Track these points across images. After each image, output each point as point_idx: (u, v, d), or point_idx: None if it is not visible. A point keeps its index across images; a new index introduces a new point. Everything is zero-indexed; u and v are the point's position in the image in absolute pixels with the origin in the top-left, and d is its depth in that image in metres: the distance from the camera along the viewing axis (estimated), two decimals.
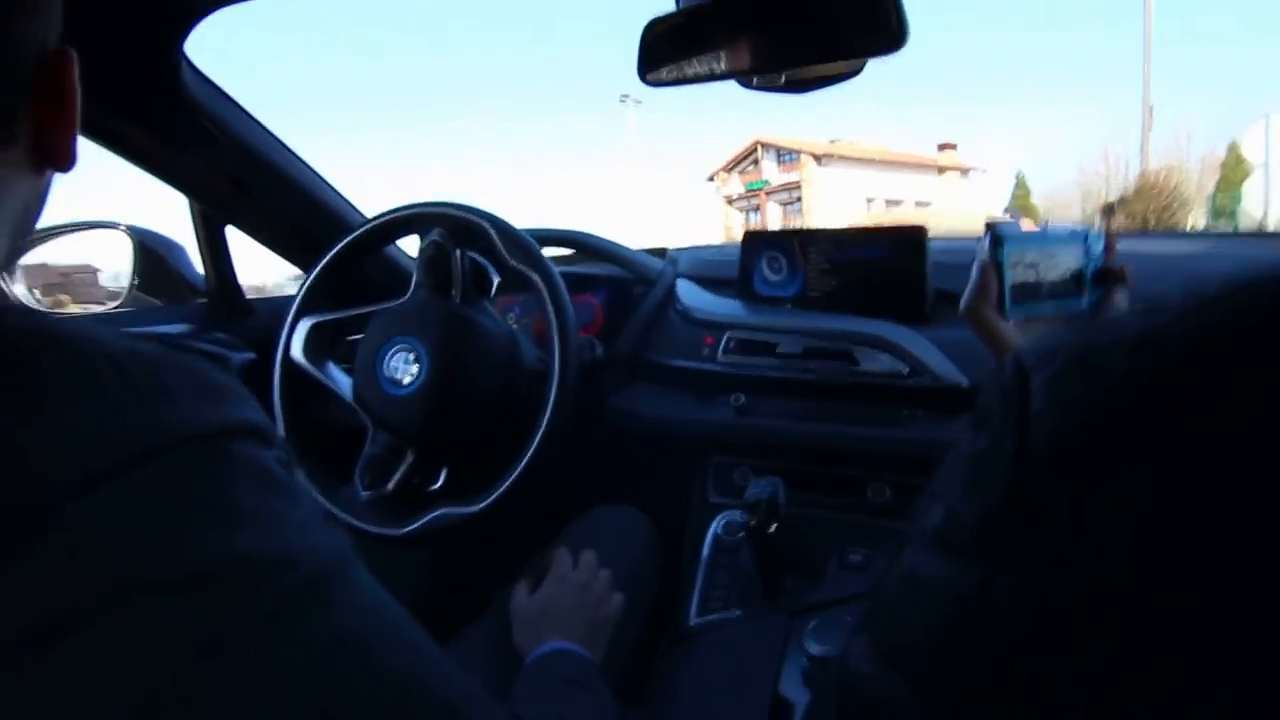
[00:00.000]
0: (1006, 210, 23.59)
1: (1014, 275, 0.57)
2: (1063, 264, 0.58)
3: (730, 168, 26.45)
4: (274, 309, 1.26)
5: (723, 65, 0.80)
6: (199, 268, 1.21)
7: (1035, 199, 24.86)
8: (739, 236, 1.23)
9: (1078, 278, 0.58)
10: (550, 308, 0.94)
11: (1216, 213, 17.56)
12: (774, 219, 23.94)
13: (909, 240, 1.07)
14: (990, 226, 0.59)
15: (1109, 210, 12.73)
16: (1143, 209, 11.32)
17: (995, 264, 0.57)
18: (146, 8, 0.79)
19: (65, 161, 0.42)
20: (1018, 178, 24.53)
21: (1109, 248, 0.59)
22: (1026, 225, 0.60)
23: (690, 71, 0.86)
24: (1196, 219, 14.73)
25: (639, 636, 0.93)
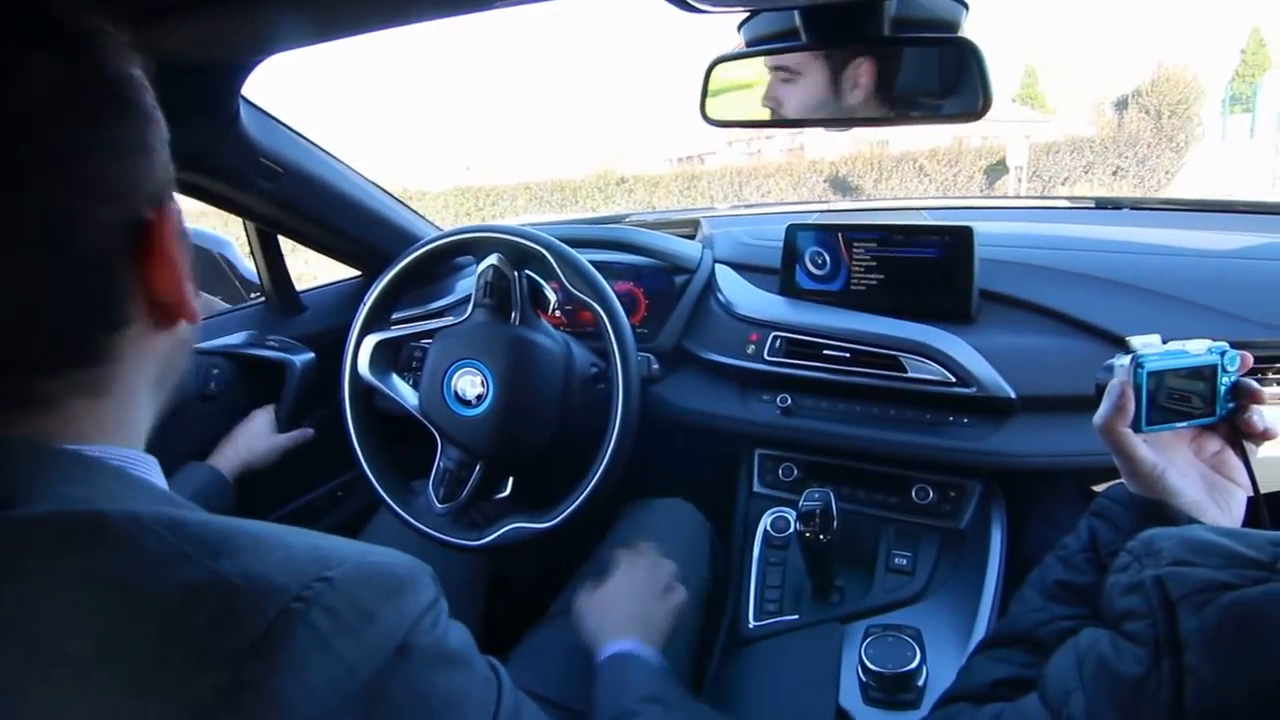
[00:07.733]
0: (1014, 99, 22.81)
1: (1151, 395, 0.58)
2: (1198, 381, 0.59)
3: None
4: (325, 303, 1.29)
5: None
6: (246, 261, 1.23)
7: (1043, 88, 24.04)
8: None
9: (1212, 393, 0.59)
10: (612, 337, 0.98)
11: (1233, 99, 17.08)
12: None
13: (957, 240, 1.08)
14: (1129, 347, 0.60)
15: (1122, 104, 12.36)
16: (1156, 103, 10.99)
17: (1135, 386, 0.57)
18: (204, 69, 0.78)
19: (188, 313, 0.43)
20: (1026, 68, 23.61)
21: (1244, 363, 0.59)
22: (1151, 342, 0.60)
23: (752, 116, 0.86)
24: (1212, 108, 14.33)
25: (695, 631, 1.00)
